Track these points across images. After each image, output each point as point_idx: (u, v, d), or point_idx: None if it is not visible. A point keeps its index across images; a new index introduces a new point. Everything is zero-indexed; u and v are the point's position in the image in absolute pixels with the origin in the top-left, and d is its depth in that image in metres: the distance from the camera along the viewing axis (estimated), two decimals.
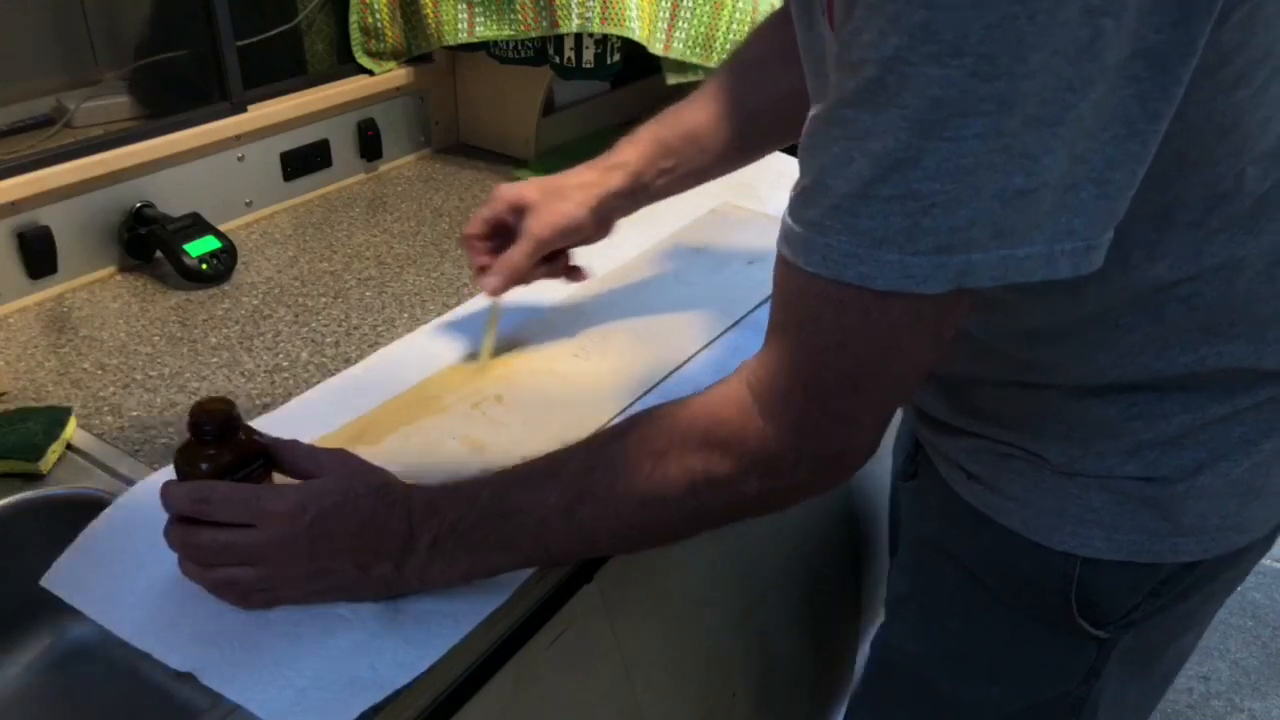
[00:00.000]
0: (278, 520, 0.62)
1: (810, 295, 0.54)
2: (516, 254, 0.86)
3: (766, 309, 1.04)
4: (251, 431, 0.66)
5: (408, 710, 0.61)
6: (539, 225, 0.86)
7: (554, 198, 0.87)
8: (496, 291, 0.87)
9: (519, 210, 0.87)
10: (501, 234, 0.89)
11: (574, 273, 0.95)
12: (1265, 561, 2.19)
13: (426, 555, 0.64)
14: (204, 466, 0.63)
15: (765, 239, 1.16)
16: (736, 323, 0.99)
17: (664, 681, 0.88)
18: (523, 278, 0.88)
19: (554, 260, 0.91)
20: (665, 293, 1.04)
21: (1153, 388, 0.65)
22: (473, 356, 0.92)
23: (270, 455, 0.66)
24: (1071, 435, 0.68)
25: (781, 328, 0.58)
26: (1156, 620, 0.74)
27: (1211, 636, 1.99)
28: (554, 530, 0.63)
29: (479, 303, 1.02)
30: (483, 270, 0.88)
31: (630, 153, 0.89)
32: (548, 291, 1.03)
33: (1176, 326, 0.62)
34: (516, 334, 0.96)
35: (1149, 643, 0.77)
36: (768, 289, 1.08)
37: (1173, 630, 0.78)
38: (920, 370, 0.57)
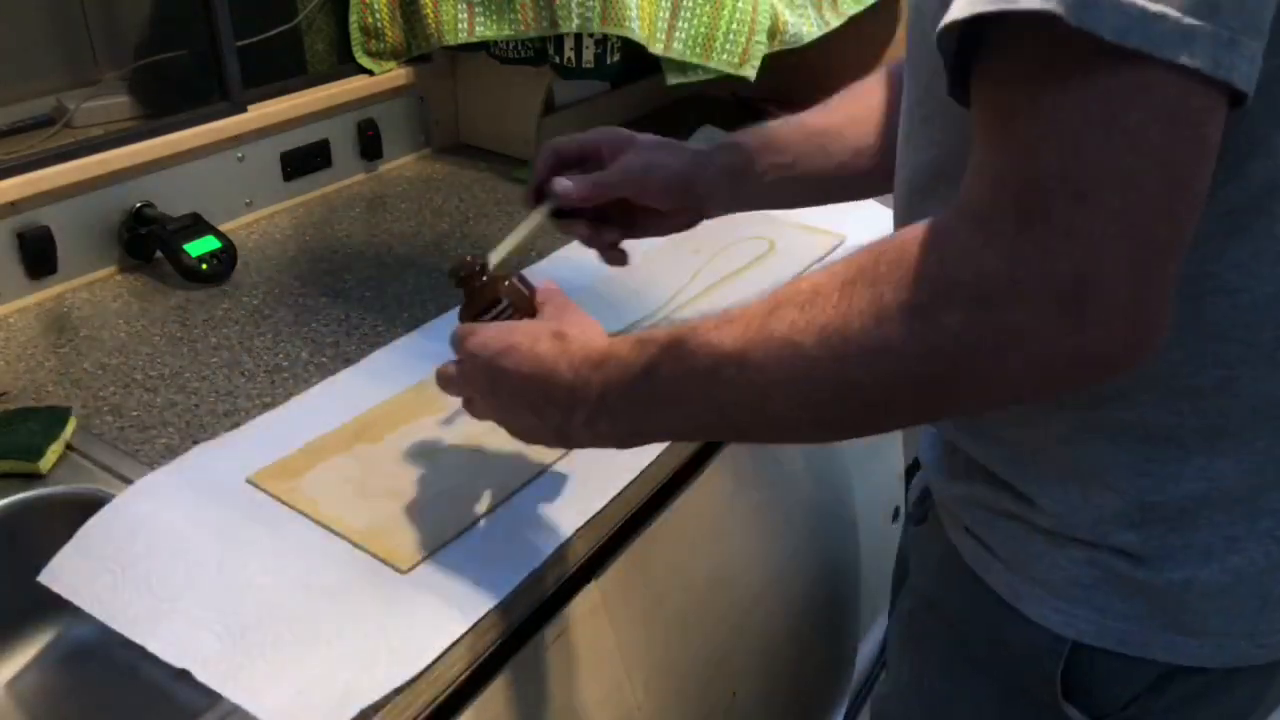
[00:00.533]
0: (463, 354, 0.66)
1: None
2: (607, 177, 0.79)
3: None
4: (501, 279, 0.72)
5: (408, 710, 0.61)
6: (640, 164, 0.79)
7: (663, 149, 0.81)
8: (571, 196, 0.78)
9: (618, 147, 0.80)
10: (580, 164, 0.82)
11: (616, 254, 0.85)
12: None
13: (593, 410, 0.60)
14: (460, 310, 0.73)
15: (765, 237, 1.16)
16: None
17: (664, 681, 0.88)
18: (597, 199, 0.79)
19: (605, 225, 0.83)
20: (667, 295, 1.04)
21: (1176, 441, 0.57)
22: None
23: (521, 301, 0.71)
24: (1071, 481, 0.60)
25: (988, 137, 0.47)
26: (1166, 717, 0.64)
27: None
28: (725, 380, 0.53)
29: None
30: (543, 183, 0.80)
31: (742, 137, 0.82)
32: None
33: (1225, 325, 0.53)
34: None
35: None
36: (768, 287, 1.07)
37: None
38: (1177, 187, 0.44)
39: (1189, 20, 0.41)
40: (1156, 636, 0.60)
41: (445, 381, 0.69)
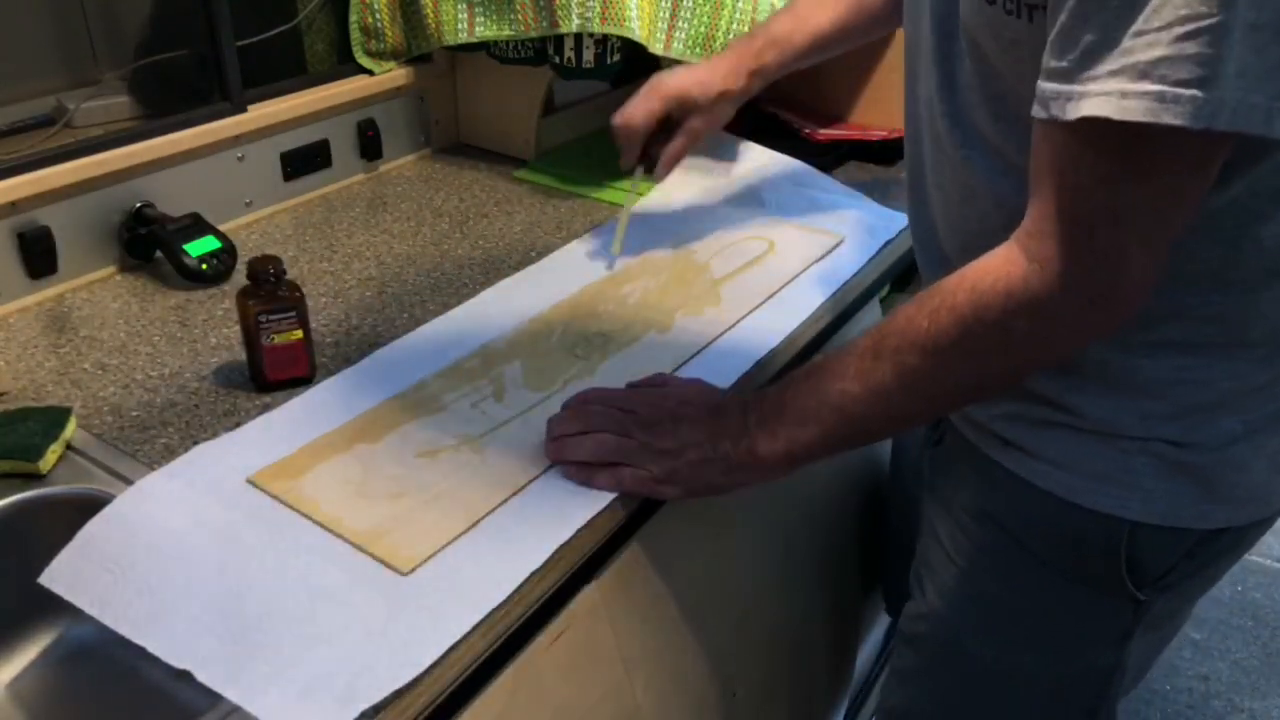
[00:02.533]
0: (644, 405, 0.78)
1: (1072, 142, 0.60)
2: (679, 147, 1.07)
3: (766, 310, 1.05)
4: None
5: (408, 710, 0.61)
6: (701, 126, 1.06)
7: (722, 103, 1.05)
8: (661, 177, 1.09)
9: (685, 106, 1.04)
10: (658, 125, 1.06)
11: (659, 169, 1.09)
12: (1265, 561, 2.19)
13: (754, 431, 0.74)
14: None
15: (764, 237, 1.16)
16: (734, 325, 0.99)
17: (664, 681, 0.88)
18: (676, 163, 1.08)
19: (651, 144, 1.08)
20: (666, 294, 1.04)
21: (1205, 352, 0.71)
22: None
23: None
24: (1118, 394, 0.73)
25: (1041, 182, 0.63)
26: (1186, 584, 0.80)
27: (1212, 636, 1.99)
28: (853, 396, 0.71)
29: (478, 302, 1.02)
30: (637, 158, 1.08)
31: (771, 56, 1.04)
32: (543, 294, 1.03)
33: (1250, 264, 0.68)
34: (515, 335, 0.96)
35: (1172, 607, 0.83)
36: (768, 289, 1.08)
37: (1193, 593, 0.84)
38: (1183, 209, 0.61)
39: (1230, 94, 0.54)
40: (1192, 508, 0.74)
41: (604, 446, 0.77)
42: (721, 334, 0.97)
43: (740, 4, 1.24)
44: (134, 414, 0.85)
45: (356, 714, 0.58)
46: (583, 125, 1.50)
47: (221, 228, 1.10)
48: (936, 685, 0.92)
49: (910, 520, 1.12)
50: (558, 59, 1.25)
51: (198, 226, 1.07)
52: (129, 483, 0.76)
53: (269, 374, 0.86)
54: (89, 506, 0.72)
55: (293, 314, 0.84)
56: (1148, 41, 0.54)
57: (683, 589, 0.89)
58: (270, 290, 0.84)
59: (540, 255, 1.13)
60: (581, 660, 0.77)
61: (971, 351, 0.67)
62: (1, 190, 0.96)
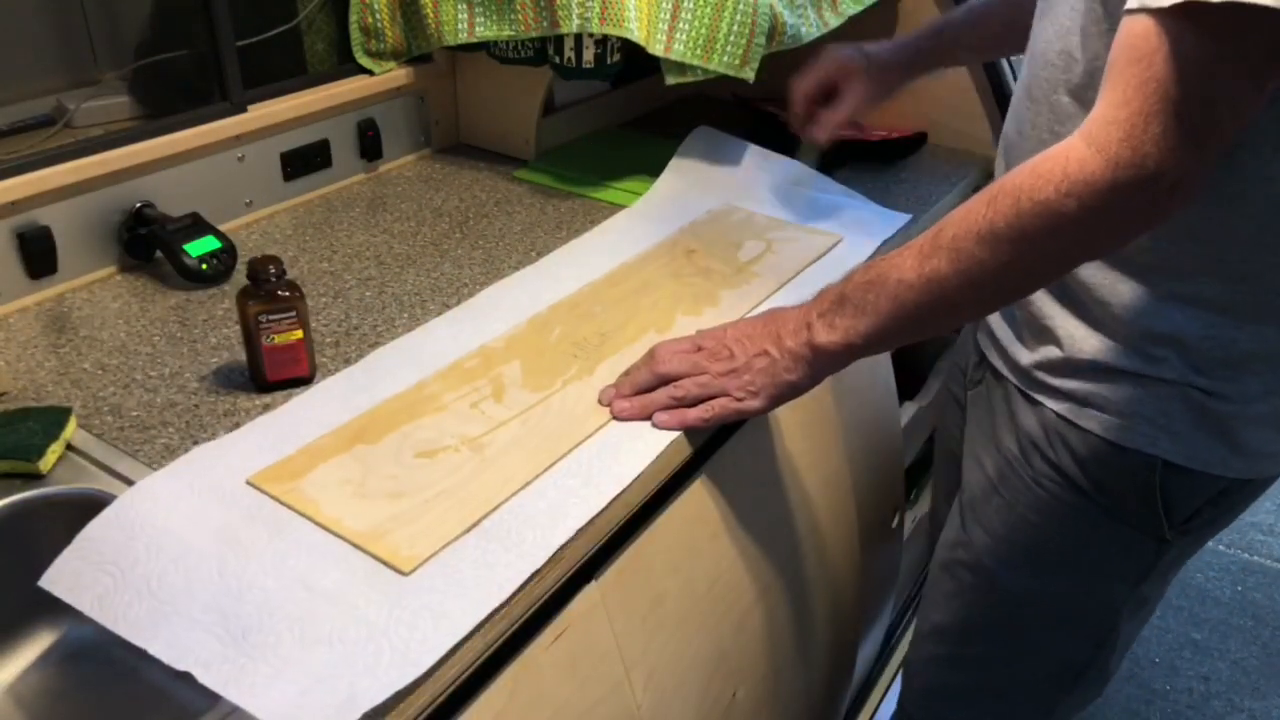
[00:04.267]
0: (708, 340, 0.84)
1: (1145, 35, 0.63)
2: (841, 115, 1.13)
3: (764, 307, 1.04)
4: None
5: (408, 710, 0.61)
6: (868, 97, 1.13)
7: (886, 72, 1.14)
8: (820, 139, 1.15)
9: (848, 75, 1.13)
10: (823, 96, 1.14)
11: (817, 129, 1.16)
12: (1266, 561, 2.19)
13: (815, 325, 0.79)
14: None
15: (763, 237, 1.16)
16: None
17: (664, 681, 0.88)
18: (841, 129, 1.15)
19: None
20: (665, 294, 1.04)
21: (1233, 313, 0.77)
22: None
23: None
24: (1153, 342, 0.79)
25: (1116, 75, 0.65)
26: (1207, 530, 0.87)
27: (1212, 636, 1.99)
28: (908, 284, 0.74)
29: (476, 302, 1.02)
30: (805, 120, 1.16)
31: (932, 43, 1.15)
32: (540, 293, 1.03)
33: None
34: (513, 333, 0.96)
35: (1185, 553, 0.89)
36: (766, 288, 1.08)
37: (1204, 542, 0.91)
38: (1240, 109, 0.64)
39: None
40: (1217, 455, 0.81)
41: (674, 382, 0.83)
42: None
43: (741, 5, 1.24)
44: (134, 414, 0.85)
45: (359, 715, 0.58)
46: (583, 125, 1.50)
47: (221, 228, 1.10)
48: (967, 607, 0.99)
49: (951, 460, 1.20)
50: (558, 59, 1.25)
51: (198, 226, 1.07)
52: (129, 483, 0.76)
53: (269, 374, 0.86)
54: (89, 506, 0.72)
55: (293, 314, 0.85)
56: None
57: (683, 589, 0.89)
58: (270, 290, 0.84)
59: (540, 255, 1.13)
60: (581, 660, 0.77)
61: (1023, 233, 0.68)
62: (1, 190, 0.96)
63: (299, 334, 0.86)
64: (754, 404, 0.81)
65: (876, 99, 1.14)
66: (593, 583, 0.78)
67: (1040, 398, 0.87)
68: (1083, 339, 0.83)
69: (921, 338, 0.80)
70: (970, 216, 0.71)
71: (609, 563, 0.80)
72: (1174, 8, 0.60)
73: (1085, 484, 0.86)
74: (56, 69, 1.14)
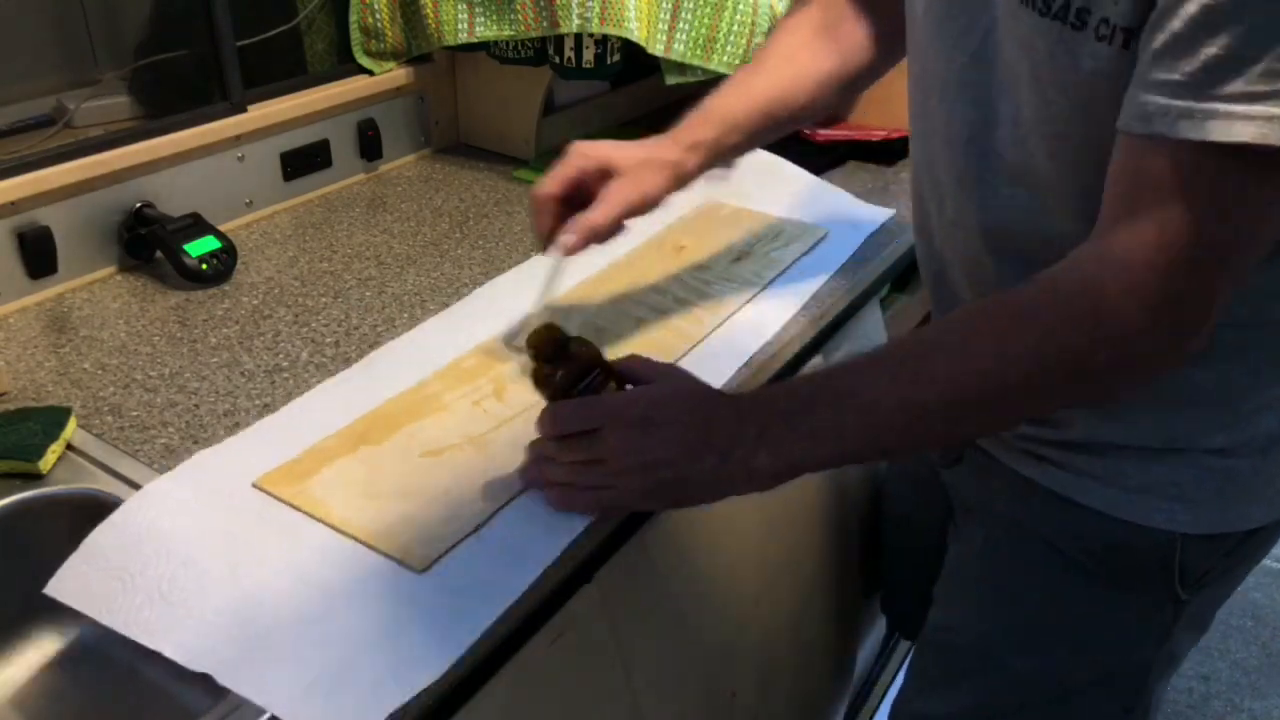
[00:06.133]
0: (614, 414, 0.68)
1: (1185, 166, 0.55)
2: (599, 216, 0.82)
3: (755, 305, 1.04)
4: (585, 344, 0.74)
5: (408, 710, 0.61)
6: (626, 193, 0.83)
7: (643, 168, 0.84)
8: (573, 250, 0.82)
9: (605, 173, 0.84)
10: (573, 194, 0.84)
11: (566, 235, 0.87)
12: (1266, 561, 2.19)
13: (753, 444, 0.65)
14: (554, 379, 0.72)
15: (752, 232, 1.16)
16: (723, 322, 0.99)
17: (664, 681, 0.88)
18: (599, 240, 0.83)
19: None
20: (653, 292, 1.04)
21: (1248, 355, 0.70)
22: (502, 340, 0.94)
23: (607, 366, 0.73)
24: (1163, 407, 0.72)
25: (1139, 207, 0.57)
26: (1224, 580, 0.80)
27: (1211, 636, 1.99)
28: (886, 413, 0.64)
29: (474, 300, 1.02)
30: (550, 233, 0.83)
31: (707, 131, 0.88)
32: (538, 292, 1.03)
33: None
34: (510, 333, 0.96)
35: (1211, 600, 0.83)
36: (754, 285, 1.08)
37: (1231, 587, 0.84)
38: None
39: None
40: (1235, 511, 0.75)
41: (574, 453, 0.70)
42: (712, 330, 0.97)
43: (741, 5, 1.24)
44: (134, 414, 0.85)
45: (385, 715, 0.58)
46: (583, 125, 1.50)
47: (221, 228, 1.10)
48: (972, 694, 0.90)
49: (910, 534, 1.13)
50: (557, 59, 1.25)
51: (198, 226, 1.07)
52: (129, 482, 0.76)
53: None
54: (89, 506, 0.72)
55: (597, 371, 0.74)
56: None
57: (683, 589, 0.89)
58: (565, 355, 0.73)
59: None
60: (581, 660, 0.77)
61: (1040, 387, 0.62)
62: (1, 190, 0.96)
63: (613, 385, 0.75)
64: (652, 505, 0.73)
65: (645, 196, 0.84)
66: (593, 583, 0.78)
67: (1029, 473, 0.80)
68: (1077, 411, 0.76)
69: (879, 462, 0.75)
70: (975, 348, 0.62)
71: (609, 563, 0.79)
72: (1208, 145, 0.53)
73: (1087, 561, 0.79)
74: (56, 69, 1.14)
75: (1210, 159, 0.54)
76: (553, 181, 0.84)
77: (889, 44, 0.91)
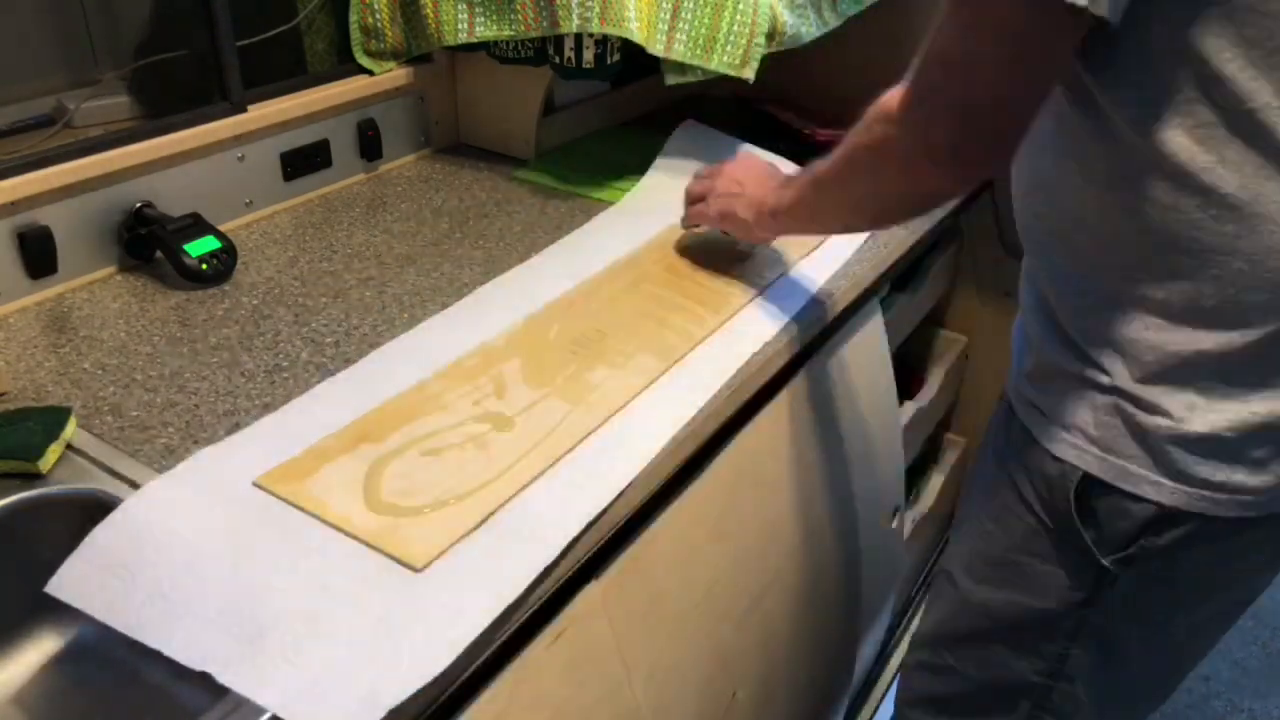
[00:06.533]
0: (715, 173, 1.06)
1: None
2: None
3: (756, 305, 1.05)
4: None
5: (408, 710, 0.61)
6: None
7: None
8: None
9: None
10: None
11: None
12: None
13: (774, 201, 0.96)
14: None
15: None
16: (725, 321, 0.99)
17: (664, 681, 0.88)
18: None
19: None
20: (656, 291, 1.04)
21: (1180, 317, 0.72)
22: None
23: None
24: (1099, 347, 0.77)
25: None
26: (1159, 568, 0.79)
27: None
28: (808, 205, 0.92)
29: (475, 301, 1.02)
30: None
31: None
32: (537, 292, 1.03)
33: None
34: (511, 331, 0.96)
35: (1154, 597, 0.82)
36: (756, 285, 1.08)
37: (1179, 592, 0.82)
38: (999, 89, 0.66)
39: None
40: (1146, 474, 0.76)
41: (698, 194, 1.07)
42: (719, 327, 0.97)
43: (741, 5, 1.24)
44: (134, 414, 0.85)
45: (384, 713, 0.58)
46: (583, 125, 1.50)
47: (221, 228, 1.10)
48: (940, 615, 1.00)
49: None
50: (558, 59, 1.25)
51: (198, 226, 1.07)
52: (129, 482, 0.76)
53: None
54: (89, 506, 0.72)
55: None
56: None
57: (683, 589, 0.89)
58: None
59: (531, 249, 1.13)
60: (581, 660, 0.77)
61: (860, 180, 0.82)
62: (1, 190, 0.96)
63: None
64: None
65: None
66: (593, 583, 0.78)
67: (1018, 409, 0.87)
68: (1041, 340, 0.83)
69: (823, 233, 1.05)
70: (830, 163, 0.86)
71: (609, 563, 0.80)
72: None
73: (1030, 495, 0.85)
74: (56, 69, 1.14)
75: None
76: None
77: None
